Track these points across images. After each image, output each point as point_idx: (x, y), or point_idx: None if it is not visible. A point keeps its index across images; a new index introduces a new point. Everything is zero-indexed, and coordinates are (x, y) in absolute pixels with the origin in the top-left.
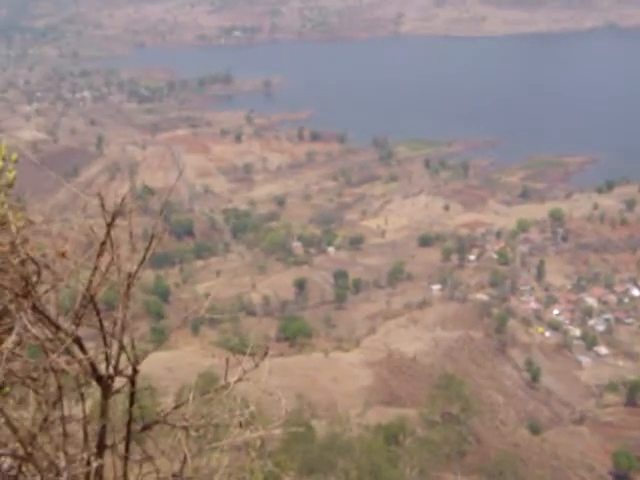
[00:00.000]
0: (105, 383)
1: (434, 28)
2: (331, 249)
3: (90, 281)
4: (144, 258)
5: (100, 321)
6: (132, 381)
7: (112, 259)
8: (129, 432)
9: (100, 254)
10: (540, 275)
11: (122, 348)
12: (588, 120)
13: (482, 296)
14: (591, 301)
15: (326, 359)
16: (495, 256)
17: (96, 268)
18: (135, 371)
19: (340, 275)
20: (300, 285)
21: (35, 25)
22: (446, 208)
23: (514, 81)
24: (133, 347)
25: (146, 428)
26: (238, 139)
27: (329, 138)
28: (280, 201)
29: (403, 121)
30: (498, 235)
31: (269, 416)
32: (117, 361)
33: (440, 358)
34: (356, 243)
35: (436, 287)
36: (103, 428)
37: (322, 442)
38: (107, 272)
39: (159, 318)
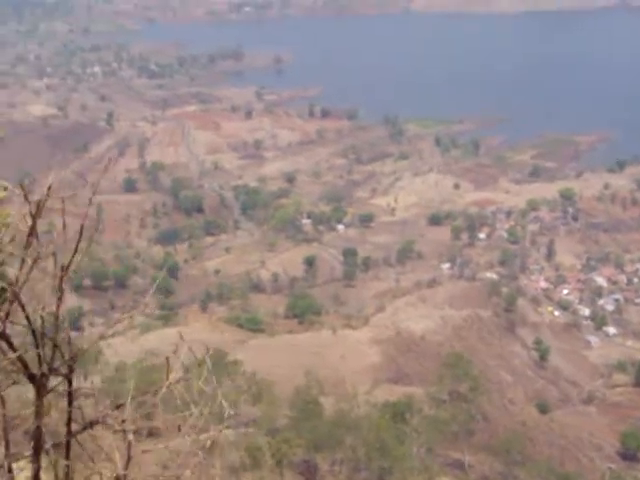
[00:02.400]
0: (39, 382)
1: (446, 5)
2: (341, 227)
3: (16, 277)
4: (75, 250)
5: (27, 318)
6: (69, 380)
7: (38, 254)
8: (69, 432)
9: (27, 246)
10: (550, 254)
11: (56, 346)
12: (600, 98)
13: (491, 275)
14: (601, 281)
15: (334, 336)
16: (505, 235)
17: (23, 261)
18: (71, 369)
19: (349, 253)
20: (309, 262)
21: (45, 0)
22: (456, 186)
23: (526, 59)
24: (69, 343)
25: (85, 428)
26: (248, 115)
27: (339, 115)
28: (290, 178)
29: (414, 98)
30: (508, 214)
31: (277, 393)
32: (52, 359)
33: (449, 337)
34: (366, 221)
35: (446, 266)
36: (38, 429)
37: (330, 419)
38: (33, 267)
39: (168, 294)
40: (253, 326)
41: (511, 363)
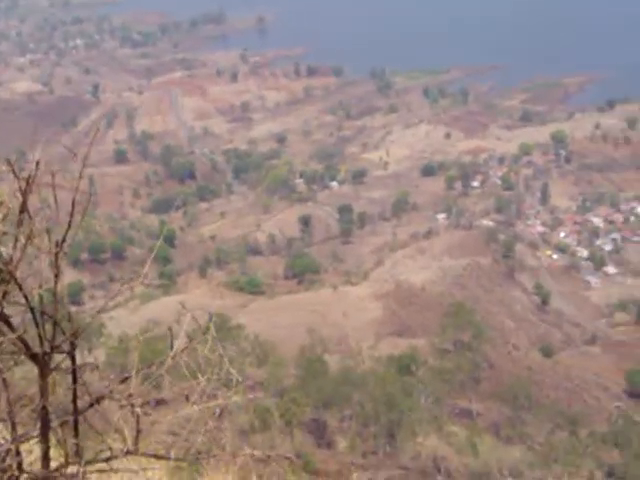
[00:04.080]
0: (41, 361)
1: None
2: (334, 184)
3: (10, 256)
4: (69, 225)
5: (25, 297)
6: (72, 357)
7: (31, 231)
8: (75, 410)
9: (19, 224)
10: (545, 198)
11: (56, 324)
12: (586, 39)
13: (488, 222)
14: (597, 221)
15: (335, 294)
16: (499, 182)
17: (17, 240)
18: (73, 346)
19: (345, 209)
20: (305, 222)
21: None
22: (447, 136)
23: (509, 2)
24: (70, 320)
25: (92, 405)
26: (234, 78)
27: (326, 72)
28: (280, 138)
29: (400, 50)
30: (501, 160)
31: (282, 354)
32: (53, 337)
33: (449, 286)
34: (359, 176)
35: (441, 216)
36: (44, 409)
37: (336, 376)
38: (27, 245)
39: (166, 263)
40: (253, 289)
41: (513, 309)
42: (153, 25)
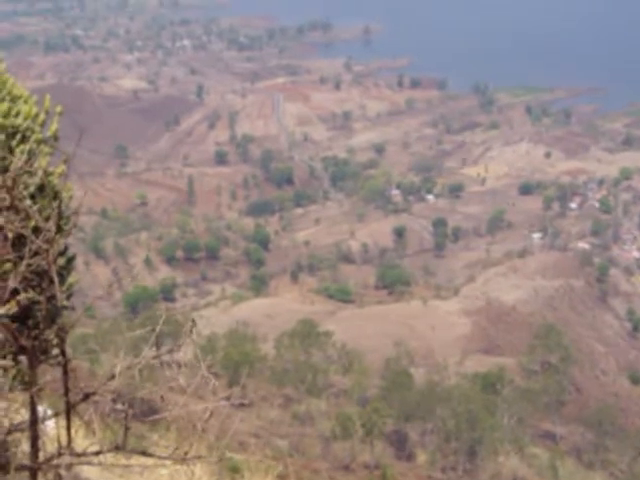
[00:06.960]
0: (30, 353)
1: None
2: (430, 197)
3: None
4: (58, 228)
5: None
6: (62, 351)
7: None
8: (68, 403)
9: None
10: None
11: (45, 318)
12: None
13: (584, 245)
14: None
15: (424, 307)
16: (597, 204)
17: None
18: (62, 340)
19: (439, 223)
20: (399, 233)
21: None
22: (547, 155)
23: (619, 26)
24: (56, 315)
25: (81, 401)
26: (337, 87)
27: (429, 85)
28: (379, 149)
29: (504, 67)
30: (600, 183)
31: (367, 363)
32: (42, 330)
33: (540, 307)
34: (456, 191)
35: (537, 235)
36: (32, 399)
37: (420, 389)
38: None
39: (259, 265)
40: (343, 297)
41: (603, 333)
42: (260, 29)
